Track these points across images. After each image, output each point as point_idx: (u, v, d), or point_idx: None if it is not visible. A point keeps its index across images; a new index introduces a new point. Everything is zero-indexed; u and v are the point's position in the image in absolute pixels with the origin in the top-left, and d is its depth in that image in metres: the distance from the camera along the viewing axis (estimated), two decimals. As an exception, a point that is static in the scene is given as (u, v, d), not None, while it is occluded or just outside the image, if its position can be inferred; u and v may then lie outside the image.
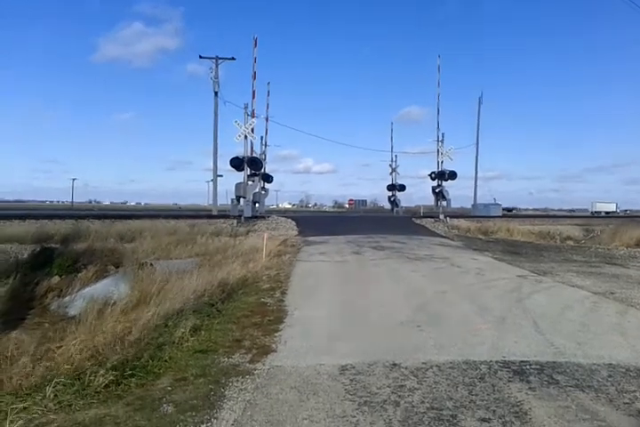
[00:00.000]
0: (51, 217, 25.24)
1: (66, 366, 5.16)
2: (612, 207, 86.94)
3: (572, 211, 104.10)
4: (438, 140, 43.45)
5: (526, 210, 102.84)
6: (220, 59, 36.76)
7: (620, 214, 77.47)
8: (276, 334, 6.55)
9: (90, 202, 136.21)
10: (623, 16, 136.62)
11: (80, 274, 12.16)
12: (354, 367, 5.23)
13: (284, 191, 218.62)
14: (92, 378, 4.83)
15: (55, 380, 4.75)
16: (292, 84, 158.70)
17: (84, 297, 9.61)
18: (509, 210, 70.21)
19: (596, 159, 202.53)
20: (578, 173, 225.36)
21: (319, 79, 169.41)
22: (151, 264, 11.85)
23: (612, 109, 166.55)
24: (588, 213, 76.42)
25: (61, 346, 6.18)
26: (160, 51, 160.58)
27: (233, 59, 37.48)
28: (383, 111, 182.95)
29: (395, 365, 5.32)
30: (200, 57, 37.58)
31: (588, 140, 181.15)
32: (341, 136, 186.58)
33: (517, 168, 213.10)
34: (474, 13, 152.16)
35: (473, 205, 53.11)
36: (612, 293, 9.93)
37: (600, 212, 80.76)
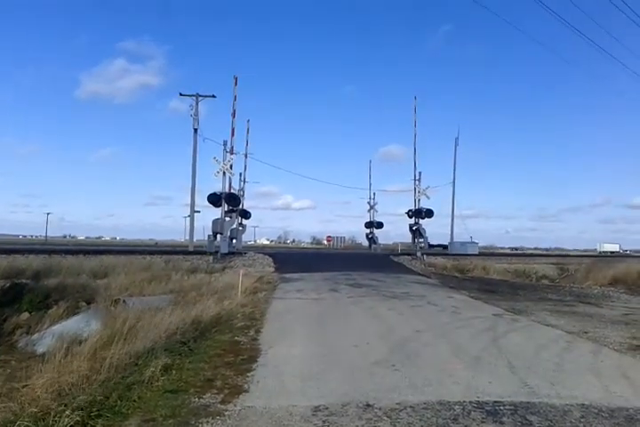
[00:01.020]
0: (23, 252, 24.83)
1: (30, 408, 5.00)
2: (616, 248, 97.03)
3: (547, 250, 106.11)
4: (415, 179, 43.90)
5: (502, 248, 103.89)
6: (201, 96, 37.17)
7: (622, 254, 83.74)
8: (248, 374, 6.44)
9: (65, 237, 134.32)
10: (598, 61, 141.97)
11: (50, 310, 11.89)
12: (327, 408, 5.15)
13: (263, 227, 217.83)
14: (56, 419, 4.67)
15: (18, 422, 4.59)
16: (273, 122, 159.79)
17: (53, 334, 9.39)
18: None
19: (573, 199, 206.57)
20: (555, 213, 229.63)
21: (300, 117, 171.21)
22: (124, 301, 11.65)
23: (590, 151, 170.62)
24: (563, 253, 78.51)
25: (27, 385, 6.00)
26: (143, 87, 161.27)
27: (213, 96, 37.94)
28: (364, 149, 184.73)
29: (368, 405, 5.25)
30: (180, 94, 37.99)
31: (565, 181, 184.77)
32: (322, 173, 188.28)
33: (495, 207, 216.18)
34: (455, 54, 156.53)
35: (449, 243, 53.43)
36: (586, 332, 10.00)
37: (607, 251, 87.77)
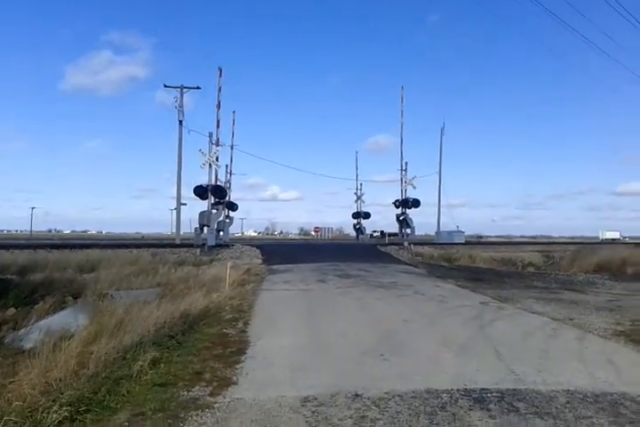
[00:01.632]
0: (8, 247, 24.57)
1: (17, 403, 4.97)
2: (616, 235, 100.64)
3: (534, 238, 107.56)
4: (402, 169, 44.20)
5: (489, 237, 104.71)
6: (185, 88, 36.79)
7: (621, 241, 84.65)
8: (237, 366, 6.45)
9: (50, 231, 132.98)
10: (589, 57, 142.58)
11: (37, 306, 11.79)
12: (316, 399, 5.18)
13: (250, 219, 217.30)
14: (44, 415, 4.66)
15: (5, 418, 4.57)
16: (260, 113, 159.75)
17: (40, 329, 9.30)
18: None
19: (559, 187, 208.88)
20: (540, 201, 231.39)
21: (287, 108, 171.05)
22: (111, 295, 11.59)
23: (574, 138, 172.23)
24: (550, 240, 79.74)
25: (14, 381, 5.97)
26: (129, 79, 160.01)
27: (198, 88, 37.59)
28: (352, 139, 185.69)
29: (357, 395, 5.28)
30: (165, 86, 37.51)
31: (550, 169, 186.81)
32: (310, 164, 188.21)
33: (481, 196, 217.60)
34: (442, 45, 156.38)
35: (436, 233, 53.70)
36: (571, 319, 10.12)
37: (608, 239, 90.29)
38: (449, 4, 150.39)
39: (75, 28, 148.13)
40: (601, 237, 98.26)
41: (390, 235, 57.19)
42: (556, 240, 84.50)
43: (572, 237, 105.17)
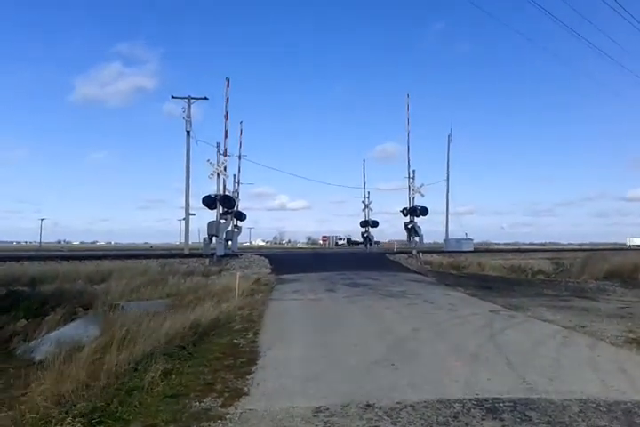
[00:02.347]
0: (18, 258, 24.73)
1: (30, 415, 5.00)
2: None
3: (543, 245, 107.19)
4: (409, 177, 44.07)
5: (498, 244, 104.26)
6: (193, 98, 37.02)
7: None
8: (248, 377, 6.46)
9: (59, 242, 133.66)
10: (593, 61, 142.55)
11: (48, 317, 11.85)
12: (327, 409, 5.17)
13: (259, 228, 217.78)
14: (58, 427, 4.69)
15: (19, 430, 4.60)
16: (268, 123, 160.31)
17: (51, 341, 9.36)
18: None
19: (567, 193, 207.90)
20: (549, 208, 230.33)
21: (295, 117, 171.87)
22: (121, 306, 11.64)
23: (581, 144, 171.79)
24: (559, 247, 79.42)
25: (26, 393, 6.01)
26: (137, 90, 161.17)
27: (206, 98, 37.79)
28: (360, 148, 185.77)
29: (369, 405, 5.28)
30: (172, 97, 37.74)
31: (559, 175, 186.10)
32: (318, 173, 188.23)
33: (489, 203, 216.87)
34: (446, 51, 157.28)
35: (445, 241, 53.54)
36: (583, 326, 10.06)
37: (634, 245, 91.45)
38: (452, 11, 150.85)
39: (85, 39, 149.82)
40: (628, 243, 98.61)
41: (356, 243, 57.22)
42: (565, 247, 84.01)
43: (581, 244, 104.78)
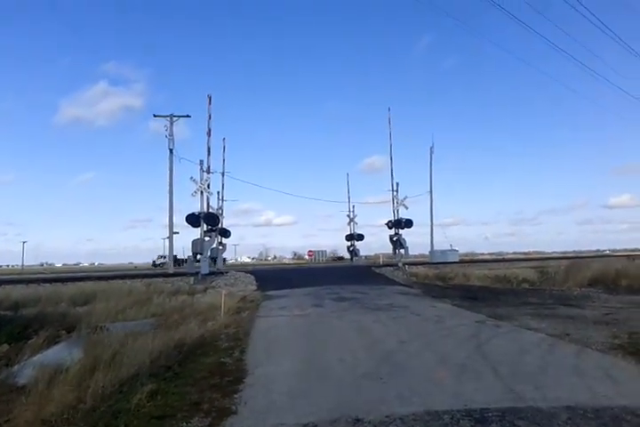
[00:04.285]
0: (0, 282, 24.37)
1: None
2: None
3: (526, 253, 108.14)
4: (393, 190, 44.46)
5: (482, 254, 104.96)
6: (175, 116, 37.04)
7: None
8: (235, 395, 6.40)
9: (41, 265, 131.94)
10: (575, 73, 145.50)
11: (30, 341, 11.65)
12: (316, 425, 5.14)
13: (244, 245, 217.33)
14: (41, 453, 4.60)
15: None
16: (254, 139, 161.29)
17: (34, 365, 9.18)
18: None
19: (550, 202, 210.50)
20: (532, 217, 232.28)
21: (281, 132, 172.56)
22: (105, 327, 11.49)
23: (566, 152, 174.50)
24: (543, 256, 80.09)
25: (9, 419, 5.89)
26: (124, 109, 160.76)
27: (188, 116, 37.85)
28: (347, 162, 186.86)
29: (357, 420, 5.25)
30: (154, 115, 37.78)
31: (542, 184, 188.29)
32: (304, 188, 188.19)
33: (473, 213, 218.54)
34: (435, 66, 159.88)
35: (430, 252, 53.76)
36: (568, 334, 10.12)
37: None
38: (439, 25, 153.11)
39: (71, 59, 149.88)
40: None
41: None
42: (549, 255, 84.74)
43: (565, 252, 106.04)
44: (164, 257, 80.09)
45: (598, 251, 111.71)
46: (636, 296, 18.46)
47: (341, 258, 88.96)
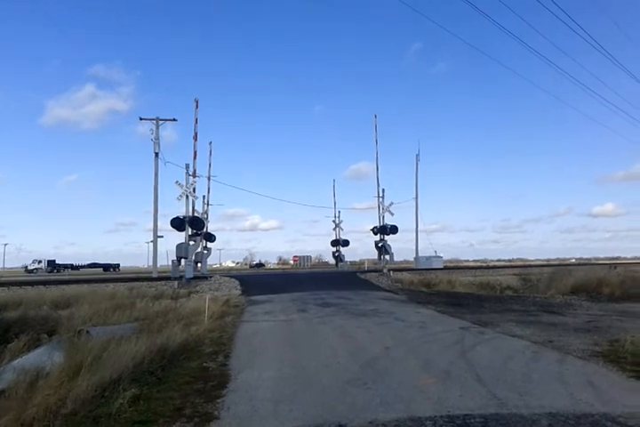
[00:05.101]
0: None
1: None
2: None
3: (510, 261, 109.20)
4: (379, 196, 44.56)
5: (467, 261, 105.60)
6: (161, 120, 36.92)
7: None
8: (218, 400, 6.36)
9: (30, 269, 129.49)
10: (562, 80, 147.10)
11: (10, 345, 11.49)
12: (299, 431, 5.12)
13: (229, 249, 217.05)
14: (20, 459, 4.53)
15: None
16: (242, 143, 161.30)
17: (14, 369, 9.06)
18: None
19: (535, 210, 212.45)
20: (517, 224, 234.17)
21: (269, 137, 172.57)
22: (87, 331, 11.36)
23: (551, 160, 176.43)
24: (526, 263, 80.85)
25: (-13, 425, 5.79)
26: (111, 112, 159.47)
27: (174, 120, 37.73)
28: (334, 167, 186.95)
29: (341, 426, 5.24)
30: (140, 119, 37.60)
31: (527, 192, 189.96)
32: (291, 193, 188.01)
33: (459, 220, 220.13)
34: (420, 73, 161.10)
35: (415, 258, 53.94)
36: (551, 341, 10.20)
37: None
38: (428, 35, 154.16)
39: (60, 61, 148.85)
40: None
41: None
42: (533, 263, 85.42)
43: (548, 260, 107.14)
44: (40, 262, 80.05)
45: (581, 259, 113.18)
46: (617, 304, 18.68)
47: (326, 263, 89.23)
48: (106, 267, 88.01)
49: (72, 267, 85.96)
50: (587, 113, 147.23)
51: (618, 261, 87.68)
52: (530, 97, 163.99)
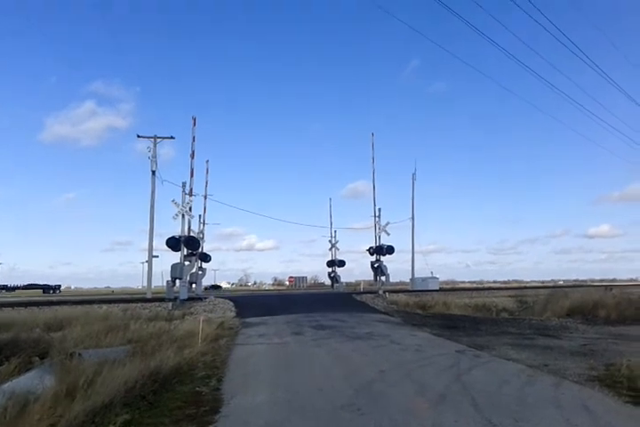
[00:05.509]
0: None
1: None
2: None
3: (506, 282, 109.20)
4: (375, 216, 44.66)
5: (463, 282, 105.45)
6: (159, 138, 37.08)
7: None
8: (210, 426, 6.28)
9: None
10: (560, 101, 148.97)
11: (1, 367, 11.36)
12: (292, 458, 5.05)
13: (224, 270, 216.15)
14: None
15: None
16: (238, 159, 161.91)
17: (4, 393, 8.94)
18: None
19: (531, 231, 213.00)
20: (513, 245, 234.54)
21: (266, 156, 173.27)
22: (79, 354, 11.24)
23: (547, 181, 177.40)
24: (522, 285, 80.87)
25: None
26: (110, 129, 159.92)
27: (172, 138, 37.93)
28: (332, 186, 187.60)
29: (334, 452, 5.18)
30: (138, 136, 37.74)
31: (523, 212, 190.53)
32: (288, 212, 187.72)
33: (455, 241, 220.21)
34: (418, 92, 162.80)
35: (411, 279, 53.83)
36: (546, 365, 10.14)
37: None
38: (427, 53, 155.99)
39: (59, 77, 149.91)
40: None
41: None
42: (528, 284, 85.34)
43: (543, 281, 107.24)
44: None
45: (577, 280, 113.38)
46: (613, 327, 18.61)
47: (322, 284, 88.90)
48: (45, 288, 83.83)
49: (6, 288, 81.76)
50: (583, 133, 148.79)
51: (614, 283, 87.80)
52: (527, 117, 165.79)
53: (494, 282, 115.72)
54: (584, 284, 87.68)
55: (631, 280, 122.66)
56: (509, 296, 35.84)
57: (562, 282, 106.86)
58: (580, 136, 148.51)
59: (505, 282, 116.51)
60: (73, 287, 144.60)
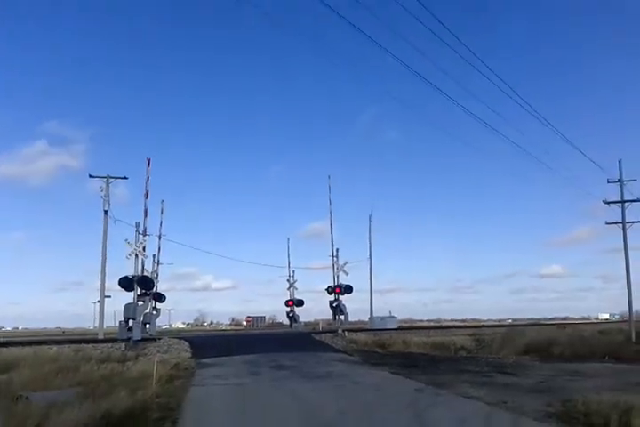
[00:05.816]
0: None
1: None
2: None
3: (464, 321, 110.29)
4: (333, 256, 44.64)
5: (421, 321, 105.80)
6: (112, 177, 36.66)
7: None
8: (165, 470, 6.05)
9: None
10: (505, 146, 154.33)
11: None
12: None
13: (179, 310, 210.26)
14: None
15: None
16: (194, 199, 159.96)
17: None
18: None
19: (487, 271, 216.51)
20: (470, 285, 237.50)
21: (225, 194, 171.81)
22: (27, 397, 10.74)
23: (500, 222, 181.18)
24: (479, 324, 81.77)
25: None
26: (61, 169, 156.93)
27: (125, 178, 37.48)
28: (291, 226, 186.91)
29: None
30: (90, 176, 37.20)
31: (479, 252, 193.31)
32: (245, 252, 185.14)
33: (413, 280, 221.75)
34: (377, 139, 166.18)
35: (370, 318, 53.69)
36: (505, 402, 10.19)
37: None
38: (383, 101, 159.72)
39: (10, 118, 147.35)
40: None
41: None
42: (486, 323, 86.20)
43: (500, 320, 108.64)
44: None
45: (532, 319, 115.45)
46: (567, 364, 18.90)
47: (280, 324, 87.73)
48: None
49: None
50: (531, 179, 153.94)
51: (566, 321, 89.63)
52: (474, 162, 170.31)
53: (452, 320, 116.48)
54: (538, 322, 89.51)
55: (583, 318, 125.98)
56: (467, 335, 36.05)
57: (510, 320, 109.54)
58: (529, 181, 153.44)
59: (463, 320, 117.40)
60: (20, 328, 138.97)
